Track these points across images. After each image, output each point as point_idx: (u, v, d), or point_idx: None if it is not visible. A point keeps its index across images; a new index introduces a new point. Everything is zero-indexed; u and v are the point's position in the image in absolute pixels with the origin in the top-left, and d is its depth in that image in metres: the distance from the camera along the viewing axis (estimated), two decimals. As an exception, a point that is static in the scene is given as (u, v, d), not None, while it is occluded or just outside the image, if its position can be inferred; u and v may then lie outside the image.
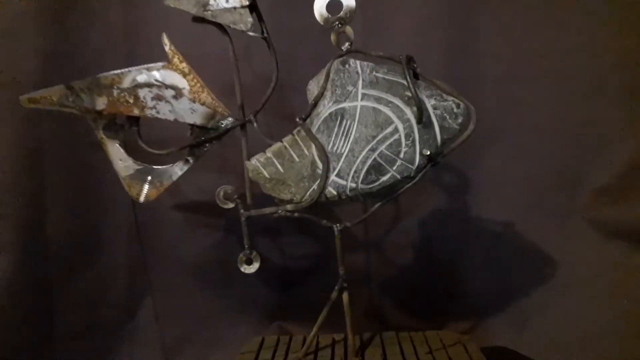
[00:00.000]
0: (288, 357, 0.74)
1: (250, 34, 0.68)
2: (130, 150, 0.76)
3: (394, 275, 1.03)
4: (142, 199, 0.75)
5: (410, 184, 0.67)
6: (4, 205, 0.89)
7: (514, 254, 0.99)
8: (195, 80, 0.72)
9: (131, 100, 0.71)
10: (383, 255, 1.03)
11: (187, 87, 0.72)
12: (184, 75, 0.72)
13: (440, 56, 0.94)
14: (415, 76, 0.67)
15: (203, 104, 0.72)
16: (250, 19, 0.68)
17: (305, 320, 0.98)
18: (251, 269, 0.74)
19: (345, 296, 0.72)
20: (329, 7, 0.69)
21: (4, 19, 0.88)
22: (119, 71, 0.72)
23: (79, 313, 0.94)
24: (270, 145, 0.72)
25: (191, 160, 0.75)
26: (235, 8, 0.68)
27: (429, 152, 0.65)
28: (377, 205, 0.70)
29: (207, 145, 0.74)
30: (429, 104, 0.65)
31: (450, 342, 0.75)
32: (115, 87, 0.72)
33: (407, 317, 1.01)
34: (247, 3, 0.67)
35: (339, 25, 0.69)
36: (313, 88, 0.71)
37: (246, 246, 0.73)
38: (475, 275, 1.01)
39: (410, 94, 0.65)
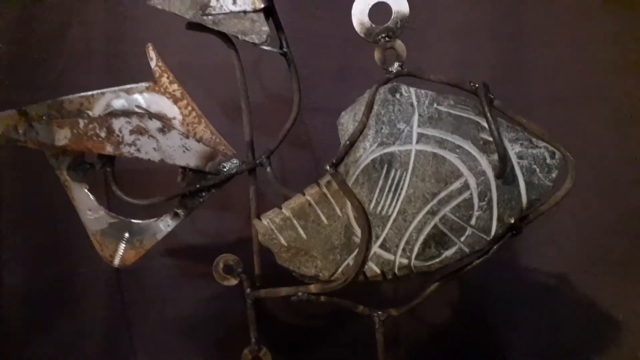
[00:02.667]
0: None
1: (265, 47, 0.52)
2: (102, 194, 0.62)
3: (427, 338, 0.92)
4: (116, 261, 0.60)
5: (481, 260, 0.52)
6: None
7: (571, 312, 0.89)
8: (189, 108, 0.56)
9: (103, 134, 0.54)
10: (414, 312, 0.88)
11: (179, 117, 0.56)
12: (175, 100, 0.56)
13: (487, 67, 0.85)
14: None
15: (199, 140, 0.56)
16: (265, 28, 0.51)
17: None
18: (259, 373, 0.57)
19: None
20: (372, 13, 0.52)
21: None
22: (88, 93, 0.56)
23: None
24: (286, 197, 0.54)
25: (182, 214, 0.59)
26: (245, 12, 0.50)
27: (512, 220, 0.48)
28: (433, 286, 0.54)
29: (203, 194, 0.58)
30: (513, 151, 0.49)
31: None
32: (82, 114, 0.54)
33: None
34: (262, 6, 0.50)
35: (386, 39, 0.52)
36: (347, 123, 0.54)
37: (253, 340, 0.57)
38: (525, 338, 0.90)
39: (488, 137, 0.49)
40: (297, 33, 0.74)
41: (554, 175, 0.49)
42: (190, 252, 0.86)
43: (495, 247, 0.51)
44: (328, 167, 0.50)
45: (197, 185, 0.57)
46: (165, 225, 0.59)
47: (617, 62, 0.83)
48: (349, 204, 0.51)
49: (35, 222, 0.81)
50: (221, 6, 0.51)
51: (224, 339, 0.88)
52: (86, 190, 0.59)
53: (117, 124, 0.55)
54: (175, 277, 0.86)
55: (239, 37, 0.52)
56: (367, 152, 0.51)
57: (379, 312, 0.55)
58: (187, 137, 0.56)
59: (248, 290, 0.57)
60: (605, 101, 0.84)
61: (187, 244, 0.86)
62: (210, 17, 0.52)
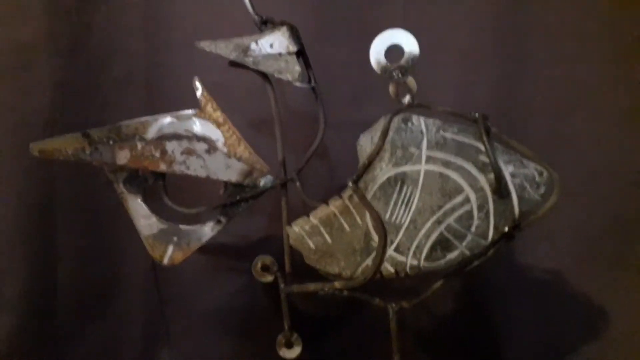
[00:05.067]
0: None
1: (298, 84, 0.59)
2: (152, 203, 0.69)
3: (427, 328, 0.95)
4: (166, 261, 0.68)
5: (480, 261, 0.59)
6: (9, 257, 0.82)
7: (564, 306, 0.92)
8: (231, 132, 0.64)
9: (157, 155, 0.63)
10: (416, 304, 0.95)
11: (222, 139, 0.64)
12: (218, 125, 0.64)
13: (488, 86, 0.88)
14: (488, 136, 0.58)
15: (239, 159, 0.64)
16: (297, 68, 0.59)
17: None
18: (291, 353, 0.65)
19: (401, 392, 0.63)
20: (387, 53, 0.60)
21: (12, 50, 0.81)
22: (143, 119, 0.65)
23: (91, 369, 0.87)
24: (312, 207, 0.63)
25: (223, 220, 0.67)
26: (280, 54, 0.59)
27: (506, 227, 0.56)
28: (439, 283, 0.62)
29: (242, 204, 0.66)
30: (507, 171, 0.57)
31: None
32: (138, 136, 0.63)
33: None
34: (295, 49, 0.58)
35: (399, 75, 0.60)
36: (365, 144, 0.62)
37: (286, 327, 0.65)
38: (519, 329, 0.93)
39: (486, 159, 0.56)
40: (315, 58, 0.79)
41: (542, 190, 0.57)
42: (222, 250, 0.91)
43: (491, 251, 0.58)
44: (350, 184, 0.59)
45: (237, 197, 0.65)
46: (209, 230, 0.66)
47: (614, 78, 0.86)
48: (368, 215, 0.59)
49: (85, 226, 0.86)
50: (260, 49, 0.60)
51: (254, 330, 0.91)
52: (140, 201, 0.66)
53: (170, 146, 0.64)
54: (208, 274, 0.91)
55: (276, 75, 0.61)
56: (384, 171, 0.59)
57: (393, 304, 0.63)
58: (229, 156, 0.64)
59: (282, 285, 0.64)
60: (602, 113, 0.87)
61: (219, 243, 0.86)
62: (250, 58, 0.60)
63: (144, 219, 0.67)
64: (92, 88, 0.85)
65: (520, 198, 0.57)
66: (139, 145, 0.63)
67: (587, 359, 0.90)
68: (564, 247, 0.91)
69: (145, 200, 0.67)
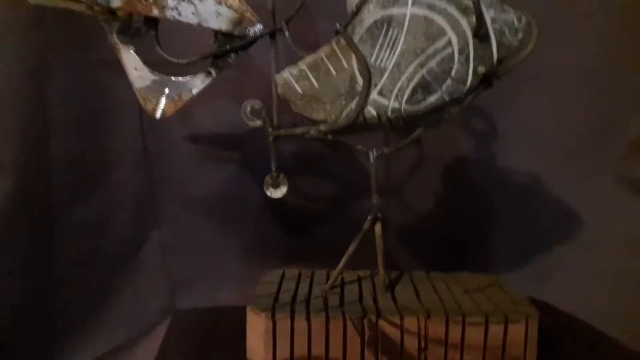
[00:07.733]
0: (313, 288, 0.68)
1: None
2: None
3: (412, 222, 0.99)
4: (158, 114, 0.68)
5: (458, 108, 0.62)
6: (3, 125, 0.83)
7: (540, 206, 0.97)
8: None
9: None
10: (402, 201, 0.99)
11: None
12: None
13: None
14: None
15: (230, 6, 0.65)
16: None
17: (322, 264, 0.96)
18: (277, 192, 0.68)
19: (378, 227, 0.66)
20: None
21: None
22: None
23: (80, 242, 0.89)
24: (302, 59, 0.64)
25: (214, 73, 0.68)
26: None
27: (484, 70, 0.58)
28: (418, 132, 0.64)
29: (231, 55, 0.67)
30: (488, 15, 0.59)
31: (486, 283, 0.70)
32: (132, -16, 0.64)
33: (423, 266, 0.95)
34: None
35: None
36: None
37: (273, 168, 0.67)
38: (497, 227, 0.98)
39: (468, 2, 0.58)
40: None
41: (520, 37, 0.59)
42: (211, 140, 0.94)
43: (470, 97, 0.61)
44: (338, 25, 0.61)
45: (227, 47, 0.66)
46: (200, 81, 0.67)
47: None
48: (354, 58, 0.61)
49: (79, 100, 0.86)
50: None
51: (239, 217, 0.96)
52: (132, 52, 0.67)
53: (163, -11, 0.65)
54: (199, 160, 0.93)
55: None
56: (371, 13, 0.60)
57: (374, 150, 0.66)
58: (220, 4, 0.66)
59: (270, 129, 0.67)
60: (587, 17, 0.89)
61: (209, 133, 0.93)
62: None
63: (137, 70, 0.68)
64: None
65: (499, 43, 0.59)
66: (133, -12, 0.64)
67: (562, 262, 0.95)
68: (545, 150, 0.94)
69: (137, 52, 0.68)
